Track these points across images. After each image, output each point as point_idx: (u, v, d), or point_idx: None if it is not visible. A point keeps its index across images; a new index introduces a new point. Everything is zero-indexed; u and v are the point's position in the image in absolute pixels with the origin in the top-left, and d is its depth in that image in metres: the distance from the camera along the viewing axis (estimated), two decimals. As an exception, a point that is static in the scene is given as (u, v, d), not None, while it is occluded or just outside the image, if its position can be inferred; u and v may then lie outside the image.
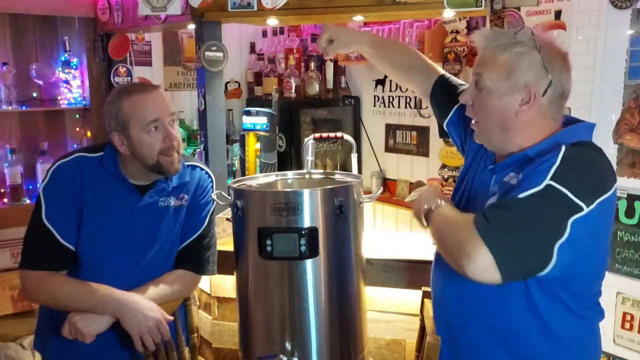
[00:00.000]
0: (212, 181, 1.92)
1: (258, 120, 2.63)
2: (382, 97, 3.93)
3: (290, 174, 2.07)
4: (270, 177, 2.04)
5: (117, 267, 1.73)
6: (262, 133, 2.63)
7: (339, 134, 2.57)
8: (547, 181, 1.23)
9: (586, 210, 1.24)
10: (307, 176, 2.04)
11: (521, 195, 1.25)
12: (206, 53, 2.47)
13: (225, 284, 2.50)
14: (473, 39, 1.47)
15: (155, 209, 1.77)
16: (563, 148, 1.29)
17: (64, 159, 1.74)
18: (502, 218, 1.25)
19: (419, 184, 3.74)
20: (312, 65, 3.75)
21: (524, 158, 1.38)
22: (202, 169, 1.91)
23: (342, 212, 1.65)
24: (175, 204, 1.81)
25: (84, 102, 3.48)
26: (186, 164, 1.84)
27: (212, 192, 1.88)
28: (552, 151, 1.30)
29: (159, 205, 1.78)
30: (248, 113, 2.68)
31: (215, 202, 1.84)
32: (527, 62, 1.34)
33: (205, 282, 2.57)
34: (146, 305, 1.69)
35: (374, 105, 3.99)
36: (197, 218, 1.87)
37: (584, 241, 1.27)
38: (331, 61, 3.82)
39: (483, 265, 1.22)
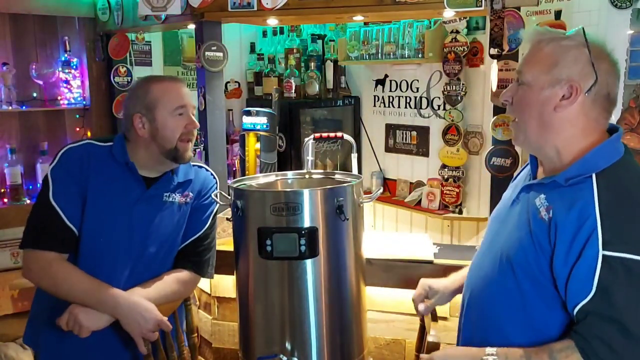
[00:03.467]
0: (216, 182, 1.95)
1: (258, 120, 2.63)
2: (382, 97, 3.93)
3: (290, 174, 2.07)
4: (270, 177, 2.04)
5: (115, 259, 1.74)
6: (262, 133, 2.63)
7: (339, 134, 2.56)
8: (600, 253, 1.15)
9: None
10: (307, 176, 2.04)
11: (592, 294, 1.15)
12: (206, 53, 2.47)
13: (225, 284, 2.50)
14: (522, 38, 1.41)
15: (158, 202, 1.79)
16: (596, 194, 1.19)
17: (73, 144, 1.78)
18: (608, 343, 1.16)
19: (419, 183, 3.74)
20: (312, 65, 3.75)
21: (554, 184, 1.29)
22: (207, 170, 1.95)
23: (342, 212, 1.65)
24: (179, 201, 1.83)
25: (84, 102, 3.47)
26: (192, 164, 1.88)
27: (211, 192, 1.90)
28: (582, 187, 1.22)
29: (163, 199, 1.80)
30: (248, 113, 2.68)
31: (217, 204, 1.85)
32: (573, 56, 1.28)
33: (205, 282, 2.57)
34: (145, 306, 1.70)
35: (374, 105, 3.99)
36: (200, 218, 1.88)
37: None
38: (331, 61, 3.82)
39: None
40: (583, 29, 1.29)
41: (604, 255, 1.15)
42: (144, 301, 1.71)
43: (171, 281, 1.82)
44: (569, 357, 1.19)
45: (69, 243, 1.71)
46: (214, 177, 1.96)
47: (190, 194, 1.86)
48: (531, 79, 1.32)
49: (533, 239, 1.27)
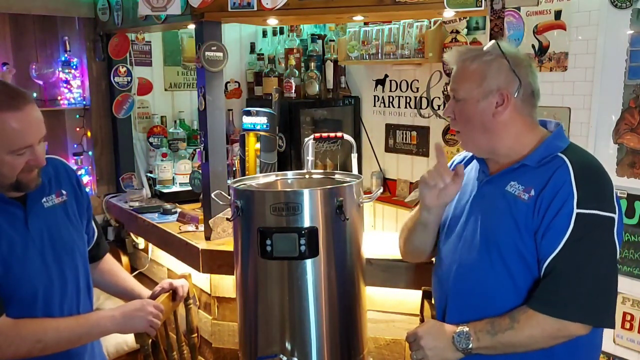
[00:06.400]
0: (68, 165, 1.83)
1: (258, 120, 2.63)
2: (382, 97, 3.93)
3: (290, 174, 2.07)
4: (270, 177, 2.05)
5: (46, 286, 1.59)
6: (262, 133, 2.64)
7: (339, 134, 2.57)
8: (575, 211, 1.33)
9: (616, 216, 1.36)
10: (307, 176, 2.05)
11: (561, 246, 1.34)
12: (206, 53, 2.46)
13: (225, 284, 2.50)
14: (446, 60, 1.56)
15: (44, 212, 1.64)
16: (569, 165, 1.38)
17: None
18: (572, 293, 1.33)
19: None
20: (312, 65, 3.75)
21: (523, 167, 1.45)
22: (54, 158, 1.79)
23: (342, 212, 1.66)
24: (58, 202, 1.69)
25: (84, 102, 3.47)
26: None
27: (77, 176, 1.80)
28: (555, 163, 1.40)
29: (45, 207, 1.65)
30: (248, 113, 2.68)
31: (86, 189, 1.87)
32: (496, 68, 1.45)
33: (206, 282, 2.57)
34: (131, 306, 1.73)
35: (374, 105, 3.99)
36: (90, 214, 1.83)
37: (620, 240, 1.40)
38: (331, 61, 3.82)
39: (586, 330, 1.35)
40: (497, 42, 1.48)
41: (577, 213, 1.33)
42: (127, 305, 1.75)
43: (120, 267, 1.96)
44: (526, 312, 1.36)
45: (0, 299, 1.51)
46: (64, 161, 1.82)
47: (64, 191, 1.71)
48: (465, 94, 1.49)
49: (516, 221, 1.41)
